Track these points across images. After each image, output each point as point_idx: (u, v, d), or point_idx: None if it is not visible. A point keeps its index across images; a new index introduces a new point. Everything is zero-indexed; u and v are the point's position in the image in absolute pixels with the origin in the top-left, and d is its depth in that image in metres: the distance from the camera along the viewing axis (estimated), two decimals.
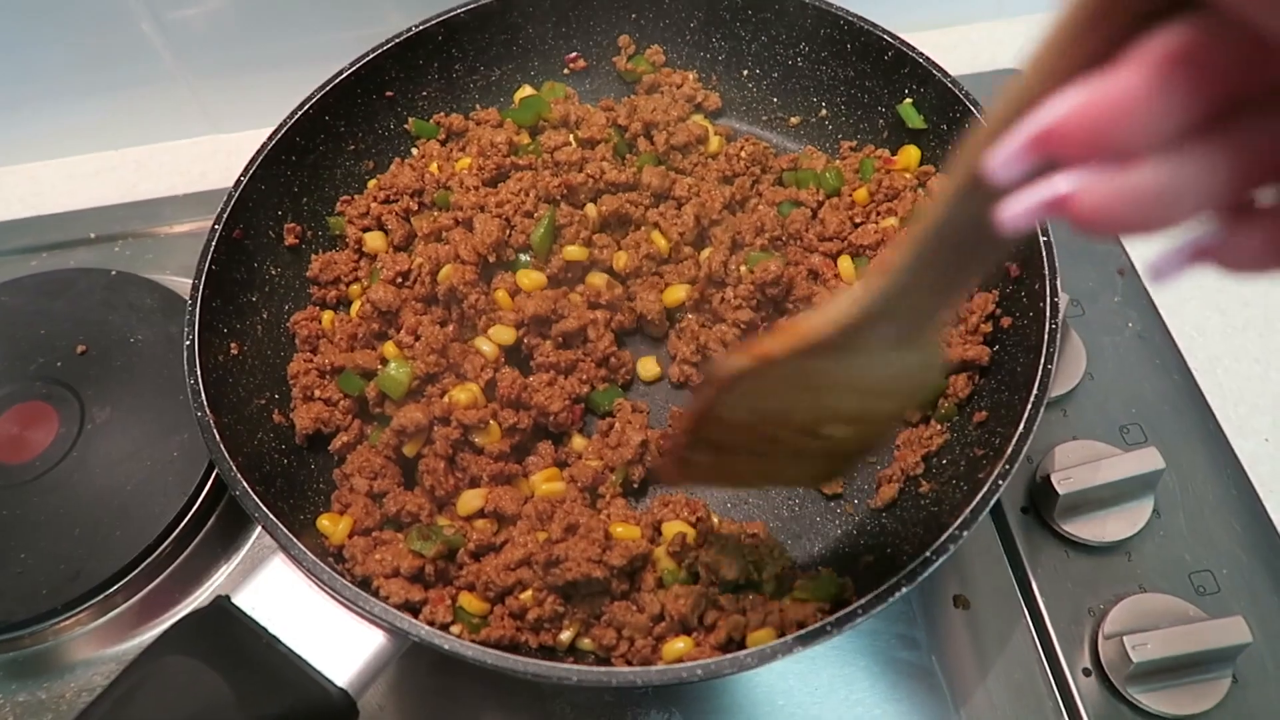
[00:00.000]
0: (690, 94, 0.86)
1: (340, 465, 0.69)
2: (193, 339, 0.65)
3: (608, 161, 0.78)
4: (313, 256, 0.79)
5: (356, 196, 0.82)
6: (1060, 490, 0.68)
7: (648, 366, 0.76)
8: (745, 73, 0.89)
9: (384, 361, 0.70)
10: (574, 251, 0.74)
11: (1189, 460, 0.73)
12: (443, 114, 0.87)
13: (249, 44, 1.00)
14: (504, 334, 0.71)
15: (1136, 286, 0.83)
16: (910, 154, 0.79)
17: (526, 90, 0.89)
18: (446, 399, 0.67)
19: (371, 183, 0.83)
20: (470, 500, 0.65)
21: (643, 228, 0.77)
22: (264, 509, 0.58)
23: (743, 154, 0.79)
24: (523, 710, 0.67)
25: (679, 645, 0.59)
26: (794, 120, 0.88)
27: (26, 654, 0.70)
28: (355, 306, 0.76)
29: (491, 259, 0.74)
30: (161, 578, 0.71)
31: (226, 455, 0.60)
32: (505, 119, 0.85)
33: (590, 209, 0.77)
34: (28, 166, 1.07)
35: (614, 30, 0.89)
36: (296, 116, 0.77)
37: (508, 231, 0.75)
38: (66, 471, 0.73)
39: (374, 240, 0.79)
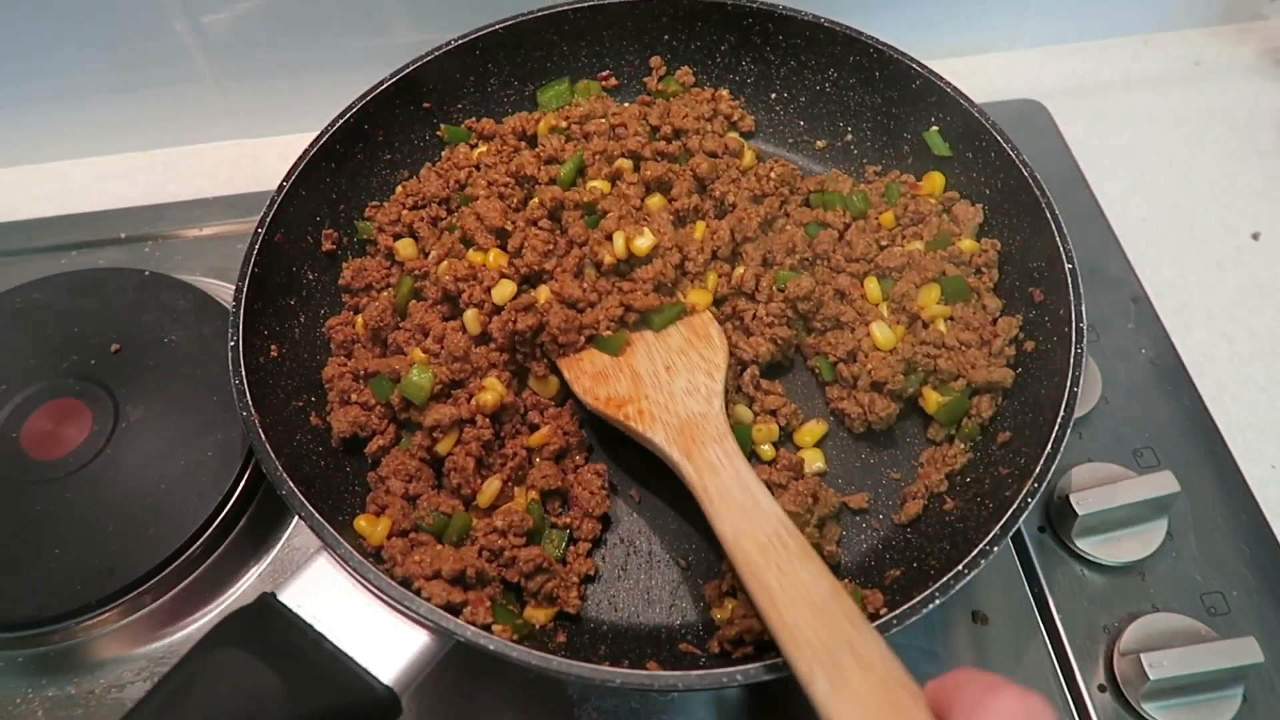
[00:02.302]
0: (728, 112, 0.88)
1: (375, 468, 0.70)
2: (237, 340, 0.67)
3: (640, 138, 0.79)
4: (344, 264, 0.80)
5: (385, 203, 0.83)
6: (1080, 511, 0.70)
7: None
8: (773, 96, 0.91)
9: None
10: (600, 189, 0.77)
11: (1199, 484, 0.76)
12: (474, 119, 0.88)
13: (278, 49, 1.01)
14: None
15: (1149, 314, 0.86)
16: (935, 180, 0.81)
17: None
18: (473, 401, 0.68)
19: (399, 188, 0.84)
20: (489, 490, 0.66)
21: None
22: (310, 508, 0.59)
23: (772, 174, 0.81)
24: (548, 715, 0.68)
25: None
26: (820, 144, 0.90)
27: (57, 649, 0.70)
28: None
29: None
30: (193, 577, 0.71)
31: (272, 454, 0.61)
32: (541, 109, 0.86)
33: (625, 164, 0.78)
34: (57, 165, 1.08)
35: (646, 50, 0.91)
36: (337, 125, 0.79)
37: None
38: (100, 469, 0.74)
39: (405, 248, 0.80)
